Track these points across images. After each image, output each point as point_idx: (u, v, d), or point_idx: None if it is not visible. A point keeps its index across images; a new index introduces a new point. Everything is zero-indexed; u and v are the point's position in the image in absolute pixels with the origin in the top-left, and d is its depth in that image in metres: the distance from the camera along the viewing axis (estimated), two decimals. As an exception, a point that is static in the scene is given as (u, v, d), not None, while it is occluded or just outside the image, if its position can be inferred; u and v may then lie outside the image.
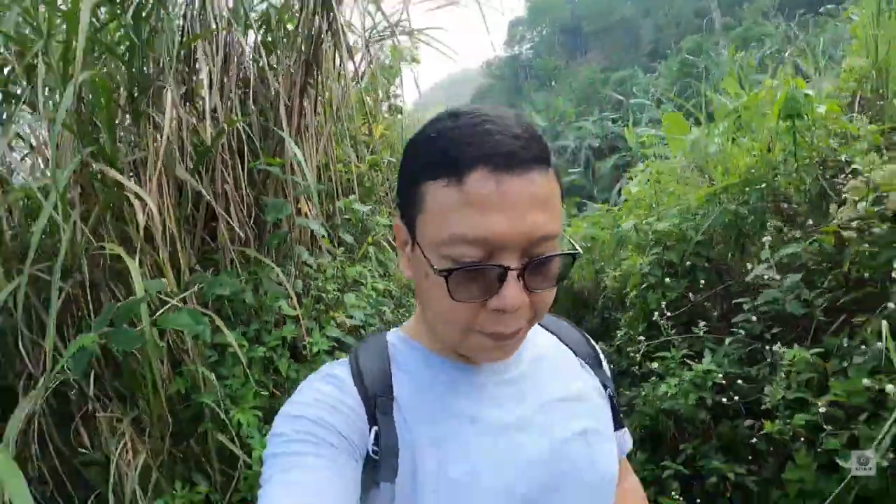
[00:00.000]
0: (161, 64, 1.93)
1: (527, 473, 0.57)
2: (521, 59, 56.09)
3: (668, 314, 2.25)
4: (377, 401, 0.56)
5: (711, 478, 1.84)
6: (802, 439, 1.60)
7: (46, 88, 1.66)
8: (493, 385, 0.61)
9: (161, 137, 1.74)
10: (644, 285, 2.50)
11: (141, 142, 1.97)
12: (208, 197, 1.99)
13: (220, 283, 1.79)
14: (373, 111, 4.33)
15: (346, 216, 3.07)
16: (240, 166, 2.21)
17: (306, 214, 2.47)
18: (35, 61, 1.54)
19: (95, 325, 1.41)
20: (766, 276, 1.91)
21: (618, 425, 0.72)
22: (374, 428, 0.55)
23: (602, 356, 0.76)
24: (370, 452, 0.54)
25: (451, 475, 0.54)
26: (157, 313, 1.62)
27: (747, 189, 2.31)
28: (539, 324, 0.69)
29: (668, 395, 1.98)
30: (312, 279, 2.46)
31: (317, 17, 2.39)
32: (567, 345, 0.72)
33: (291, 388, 1.19)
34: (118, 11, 1.89)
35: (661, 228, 2.53)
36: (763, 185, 2.25)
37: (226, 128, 2.07)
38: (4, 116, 1.84)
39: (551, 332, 0.72)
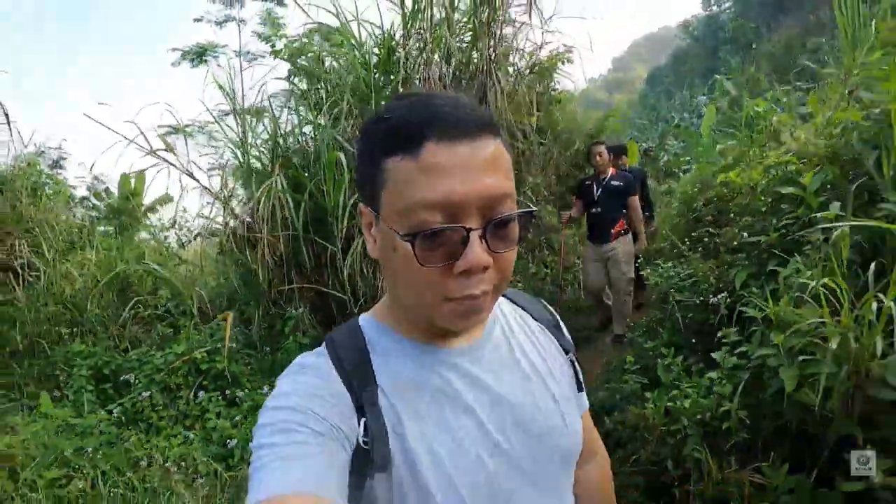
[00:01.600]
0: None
1: (509, 439, 0.61)
2: (719, 20, 50.05)
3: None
4: (363, 392, 0.58)
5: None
6: None
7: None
8: (469, 363, 0.63)
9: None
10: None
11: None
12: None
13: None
14: (534, 103, 5.56)
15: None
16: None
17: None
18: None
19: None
20: None
21: (579, 387, 0.76)
22: (363, 419, 0.56)
23: (560, 320, 0.80)
24: (360, 443, 0.55)
25: (437, 451, 0.57)
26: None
27: None
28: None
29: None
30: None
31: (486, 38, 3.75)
32: (528, 312, 0.76)
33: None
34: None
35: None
36: None
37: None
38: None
39: (511, 302, 0.76)
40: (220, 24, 8.78)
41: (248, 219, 3.73)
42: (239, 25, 9.05)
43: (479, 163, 0.52)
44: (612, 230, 4.20)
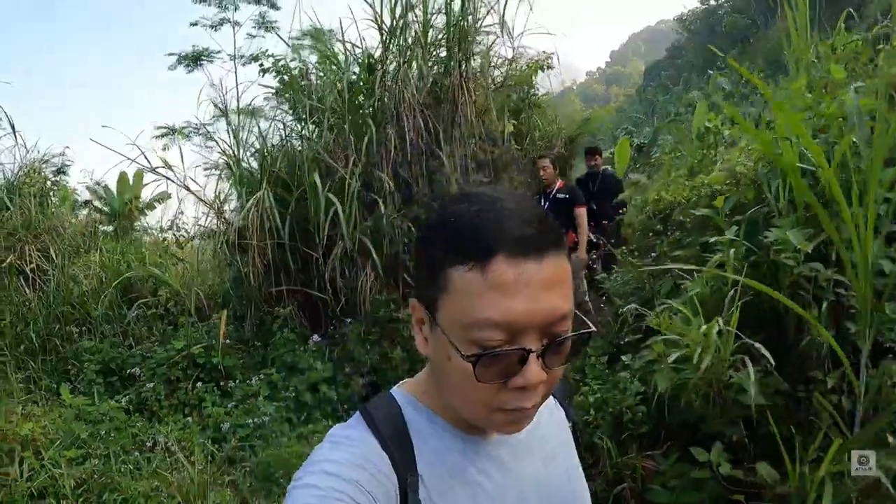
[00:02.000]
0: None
1: None
2: (717, 15, 50.15)
3: None
4: (407, 478, 0.59)
5: None
6: None
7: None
8: (507, 454, 0.65)
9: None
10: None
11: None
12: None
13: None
14: (505, 111, 5.87)
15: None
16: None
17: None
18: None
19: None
20: None
21: (579, 454, 0.78)
22: None
23: (565, 389, 0.81)
24: None
25: None
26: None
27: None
28: None
29: None
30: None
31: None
32: None
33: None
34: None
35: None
36: None
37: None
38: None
39: None
40: (214, 27, 9.11)
41: (241, 223, 4.11)
42: (233, 28, 9.38)
43: (545, 283, 0.52)
44: None
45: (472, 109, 4.53)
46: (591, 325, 0.60)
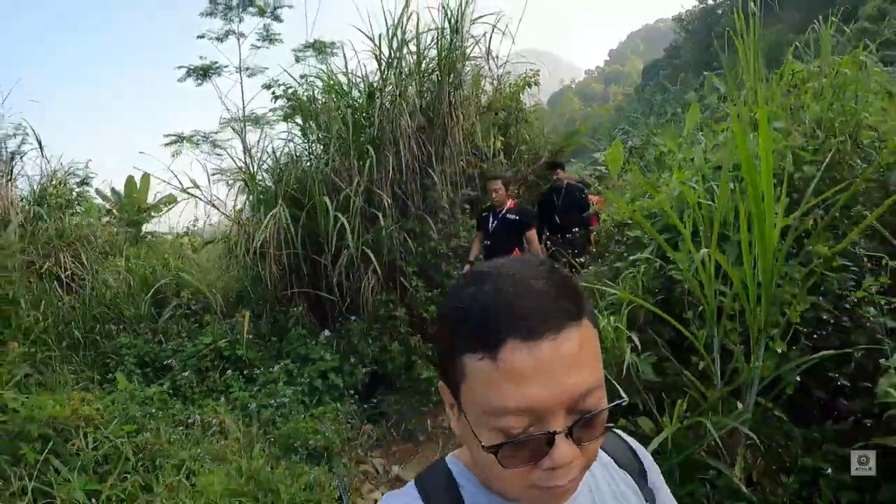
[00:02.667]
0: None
1: None
2: (715, 14, 50.69)
3: None
4: None
5: None
6: None
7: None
8: None
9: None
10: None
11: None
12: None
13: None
14: (492, 128, 6.47)
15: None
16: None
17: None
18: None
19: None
20: None
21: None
22: None
23: (647, 465, 0.77)
24: None
25: None
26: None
27: None
28: None
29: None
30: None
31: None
32: (615, 458, 0.73)
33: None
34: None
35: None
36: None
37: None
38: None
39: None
40: (220, 39, 9.72)
41: (261, 237, 4.72)
42: (238, 40, 9.97)
43: (563, 362, 0.50)
44: None
45: (460, 132, 5.13)
46: (623, 395, 0.59)
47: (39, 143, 6.71)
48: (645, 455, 0.78)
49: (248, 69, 9.74)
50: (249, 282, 4.88)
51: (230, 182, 5.47)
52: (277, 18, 9.95)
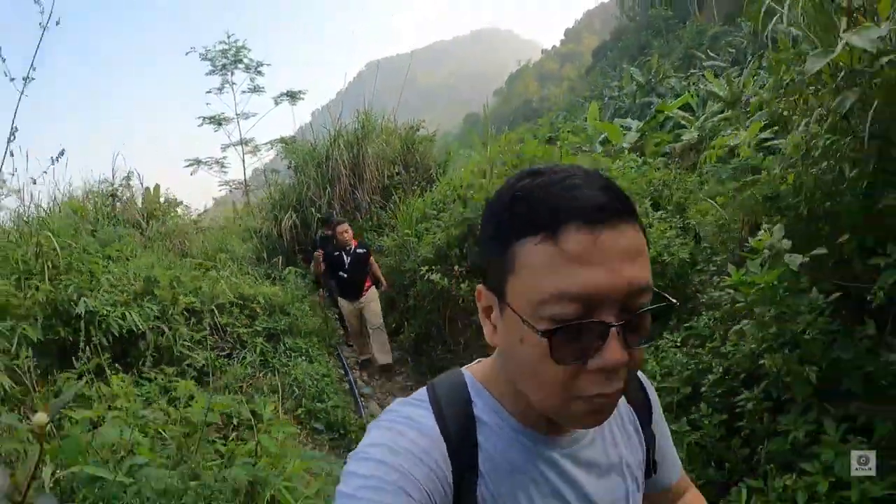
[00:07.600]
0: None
1: None
2: (655, 2, 53.46)
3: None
4: (465, 473, 0.57)
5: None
6: None
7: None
8: (570, 463, 0.62)
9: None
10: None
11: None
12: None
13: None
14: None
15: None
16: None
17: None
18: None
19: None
20: None
21: (650, 467, 0.74)
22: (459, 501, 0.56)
23: (653, 399, 0.76)
24: None
25: None
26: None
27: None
28: None
29: None
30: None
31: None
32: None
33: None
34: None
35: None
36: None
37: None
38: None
39: None
40: (219, 90, 14.89)
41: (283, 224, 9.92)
42: (233, 88, 15.15)
43: (622, 252, 0.49)
44: (363, 289, 5.26)
45: (373, 164, 10.45)
46: (670, 298, 0.55)
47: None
48: (651, 389, 0.77)
49: (243, 113, 15.18)
50: (268, 246, 10.18)
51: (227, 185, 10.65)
52: (259, 73, 15.21)
